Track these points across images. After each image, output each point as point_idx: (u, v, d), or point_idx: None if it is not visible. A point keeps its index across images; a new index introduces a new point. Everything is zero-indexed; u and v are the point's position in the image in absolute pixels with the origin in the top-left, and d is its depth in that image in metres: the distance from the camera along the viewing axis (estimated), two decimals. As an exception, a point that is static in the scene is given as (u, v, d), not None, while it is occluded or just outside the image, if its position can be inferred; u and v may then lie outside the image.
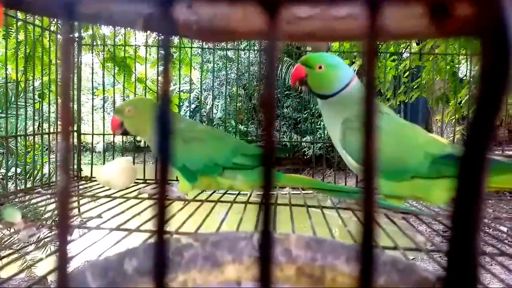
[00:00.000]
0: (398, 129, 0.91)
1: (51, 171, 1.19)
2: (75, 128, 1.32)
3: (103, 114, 1.48)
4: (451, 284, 0.14)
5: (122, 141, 1.49)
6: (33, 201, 0.92)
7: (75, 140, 1.31)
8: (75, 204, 0.99)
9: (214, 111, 7.22)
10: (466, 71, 1.50)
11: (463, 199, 0.14)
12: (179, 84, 1.45)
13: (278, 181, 1.00)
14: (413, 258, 2.43)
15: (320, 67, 0.94)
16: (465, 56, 1.59)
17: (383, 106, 1.00)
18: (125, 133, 1.08)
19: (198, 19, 0.62)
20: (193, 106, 7.49)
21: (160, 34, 0.16)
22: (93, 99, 1.47)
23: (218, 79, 7.36)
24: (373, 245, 0.15)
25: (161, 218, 0.16)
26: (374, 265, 0.15)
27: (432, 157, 0.84)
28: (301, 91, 0.98)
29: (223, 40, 0.71)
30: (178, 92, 1.56)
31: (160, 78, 0.16)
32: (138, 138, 1.32)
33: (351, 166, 0.93)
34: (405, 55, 2.16)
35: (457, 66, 1.79)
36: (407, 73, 1.88)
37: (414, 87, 2.38)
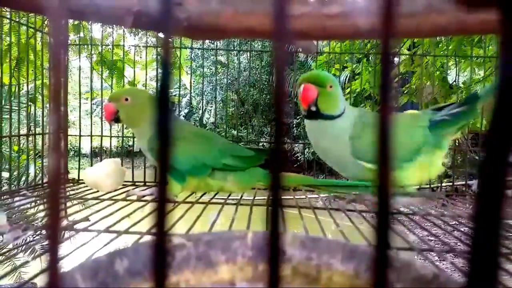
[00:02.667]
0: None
1: (36, 173, 1.16)
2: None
3: (91, 117, 1.45)
4: (474, 284, 0.14)
5: (110, 145, 1.47)
6: (18, 203, 0.89)
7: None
8: (62, 206, 0.96)
9: (207, 115, 7.19)
10: (456, 77, 1.52)
11: (485, 199, 0.14)
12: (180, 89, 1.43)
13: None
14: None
15: (331, 86, 0.89)
16: (454, 62, 1.60)
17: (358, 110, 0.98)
18: (116, 121, 1.04)
19: (188, 16, 0.61)
20: (185, 111, 7.46)
21: (160, 33, 0.15)
22: (80, 102, 1.44)
23: (211, 84, 7.34)
24: (389, 247, 0.15)
25: (161, 219, 0.15)
26: (390, 268, 0.15)
27: None
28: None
29: (213, 38, 0.71)
30: (174, 96, 1.54)
31: (160, 76, 0.15)
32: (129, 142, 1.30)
33: (360, 173, 0.92)
34: (396, 59, 2.17)
35: (447, 71, 1.81)
36: (397, 78, 1.90)
37: (404, 91, 2.40)
